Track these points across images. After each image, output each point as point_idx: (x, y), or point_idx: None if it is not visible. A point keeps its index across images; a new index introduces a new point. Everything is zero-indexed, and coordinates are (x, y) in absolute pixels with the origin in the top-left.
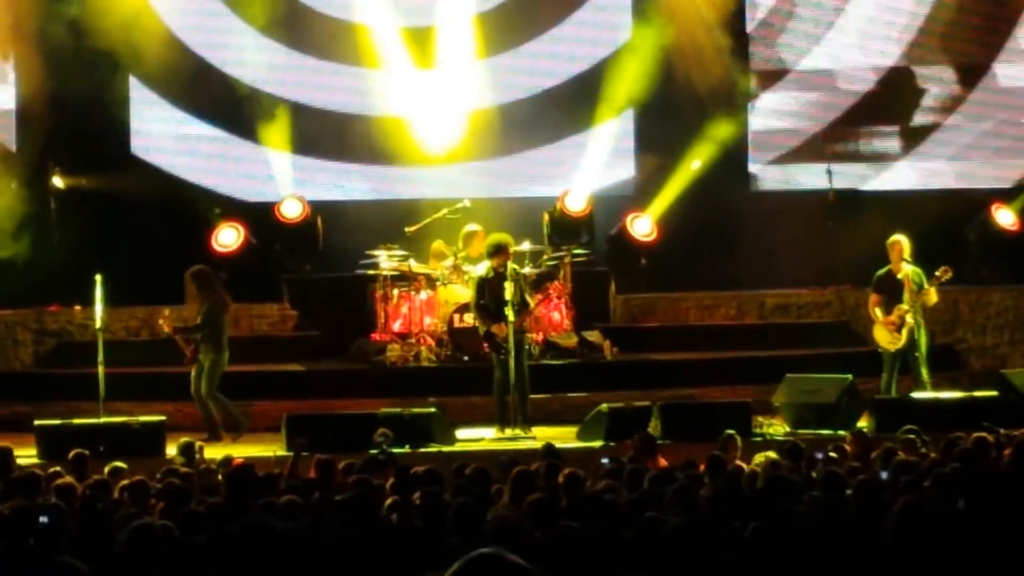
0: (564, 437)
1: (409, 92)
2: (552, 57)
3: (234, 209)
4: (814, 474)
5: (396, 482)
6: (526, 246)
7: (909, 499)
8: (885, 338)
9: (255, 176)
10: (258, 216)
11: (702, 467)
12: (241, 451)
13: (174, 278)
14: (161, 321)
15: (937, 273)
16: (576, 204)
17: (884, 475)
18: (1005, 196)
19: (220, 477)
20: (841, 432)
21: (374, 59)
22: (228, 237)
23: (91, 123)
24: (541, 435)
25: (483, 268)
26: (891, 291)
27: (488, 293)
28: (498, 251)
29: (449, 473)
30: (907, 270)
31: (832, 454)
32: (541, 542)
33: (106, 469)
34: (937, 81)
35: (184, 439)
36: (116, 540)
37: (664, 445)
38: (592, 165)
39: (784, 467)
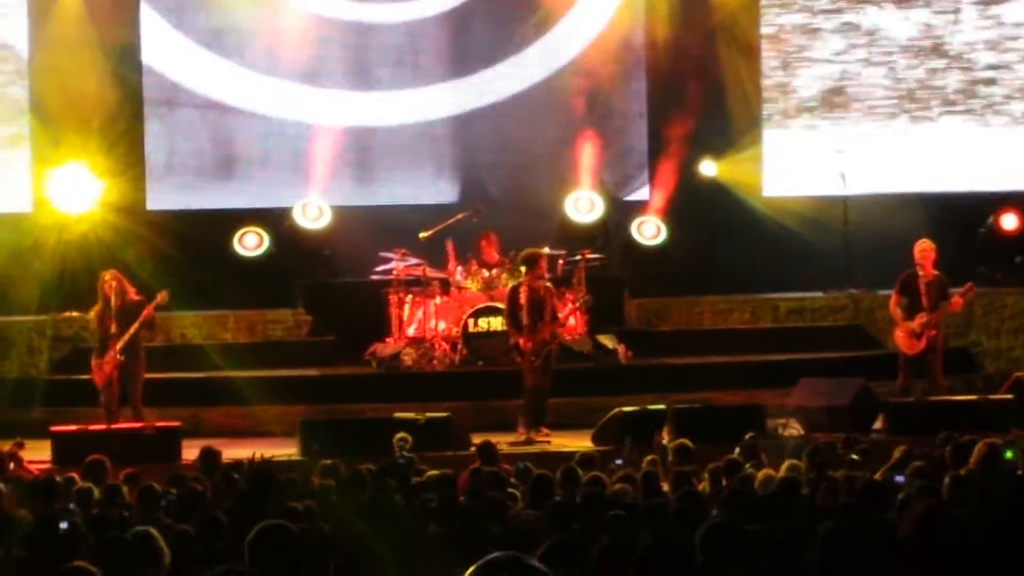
0: (579, 441)
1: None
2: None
3: (253, 214)
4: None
5: (407, 487)
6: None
7: (929, 504)
8: (904, 342)
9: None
10: (276, 220)
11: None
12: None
13: (196, 283)
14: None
15: (963, 289)
16: (586, 208)
17: (900, 479)
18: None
19: (237, 480)
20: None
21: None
22: (251, 241)
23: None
24: (556, 440)
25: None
26: (914, 294)
27: (518, 304)
28: (527, 263)
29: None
30: (931, 275)
31: (854, 456)
32: (558, 546)
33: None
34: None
35: (205, 446)
36: (129, 545)
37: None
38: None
39: (801, 471)
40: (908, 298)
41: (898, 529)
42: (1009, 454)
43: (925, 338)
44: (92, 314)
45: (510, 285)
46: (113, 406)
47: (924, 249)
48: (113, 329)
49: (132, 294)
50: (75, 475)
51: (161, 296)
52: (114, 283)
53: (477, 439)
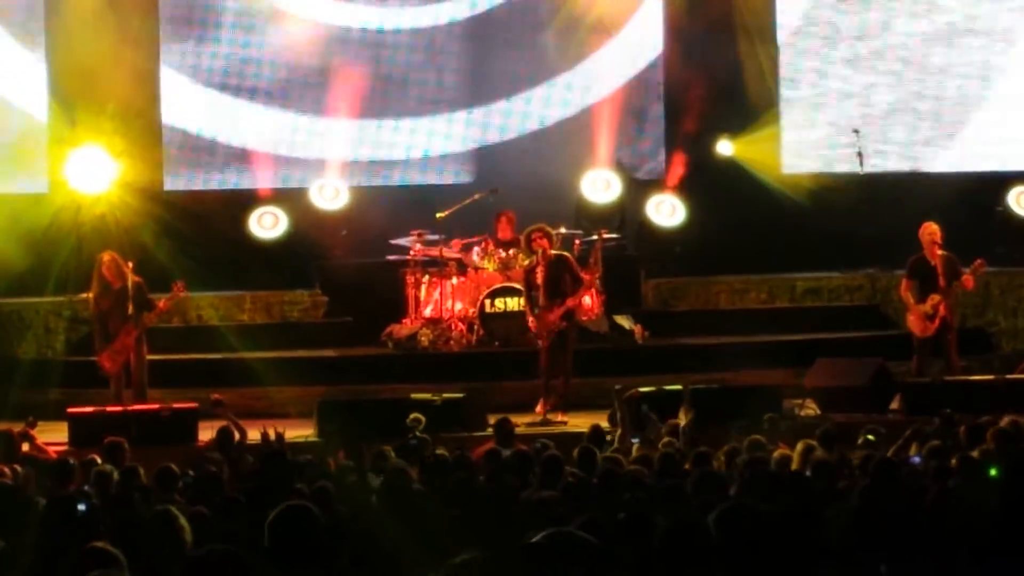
0: (596, 422)
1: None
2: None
3: (270, 194)
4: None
5: (427, 468)
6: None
7: (942, 486)
8: (917, 325)
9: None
10: (293, 201)
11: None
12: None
13: (212, 264)
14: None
15: (973, 266)
16: (603, 188)
17: (916, 460)
18: None
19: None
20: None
21: None
22: (268, 222)
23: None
24: (573, 421)
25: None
26: (924, 277)
27: (533, 283)
28: (529, 241)
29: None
30: (940, 256)
31: (869, 436)
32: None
33: None
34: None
35: (221, 426)
36: (146, 527)
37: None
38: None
39: (819, 451)
40: (919, 281)
41: (911, 508)
42: (993, 471)
43: (938, 319)
44: (90, 298)
45: (525, 265)
46: (121, 391)
47: (932, 232)
48: (115, 312)
49: (131, 276)
50: (94, 456)
51: (178, 288)
52: (113, 266)
53: (493, 420)
